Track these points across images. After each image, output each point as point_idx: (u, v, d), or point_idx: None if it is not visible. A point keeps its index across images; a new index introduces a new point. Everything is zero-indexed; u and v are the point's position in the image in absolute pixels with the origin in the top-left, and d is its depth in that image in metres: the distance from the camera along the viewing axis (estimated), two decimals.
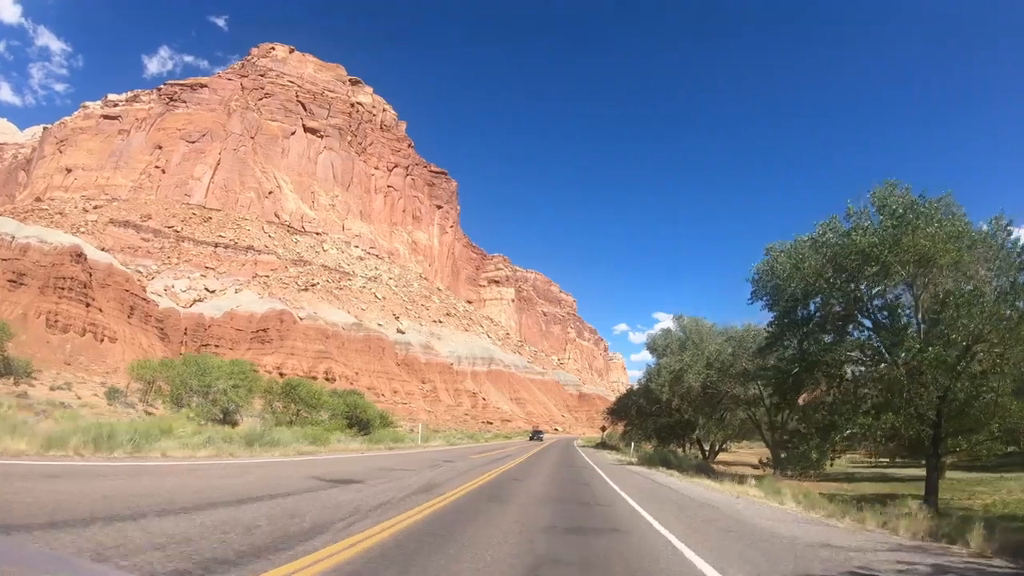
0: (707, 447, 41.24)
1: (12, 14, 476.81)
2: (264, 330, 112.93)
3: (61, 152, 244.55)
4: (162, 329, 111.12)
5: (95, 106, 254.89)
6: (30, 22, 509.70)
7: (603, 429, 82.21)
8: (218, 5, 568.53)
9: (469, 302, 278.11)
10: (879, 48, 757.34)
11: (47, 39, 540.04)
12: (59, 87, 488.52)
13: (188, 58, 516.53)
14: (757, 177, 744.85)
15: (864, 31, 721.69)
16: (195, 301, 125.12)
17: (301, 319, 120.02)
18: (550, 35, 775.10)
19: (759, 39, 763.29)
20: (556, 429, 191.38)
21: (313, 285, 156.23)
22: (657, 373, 37.15)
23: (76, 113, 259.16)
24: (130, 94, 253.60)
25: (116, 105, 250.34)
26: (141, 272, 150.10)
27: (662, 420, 41.83)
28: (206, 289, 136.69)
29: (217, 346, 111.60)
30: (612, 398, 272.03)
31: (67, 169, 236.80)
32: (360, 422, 34.39)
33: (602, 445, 71.29)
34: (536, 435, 77.14)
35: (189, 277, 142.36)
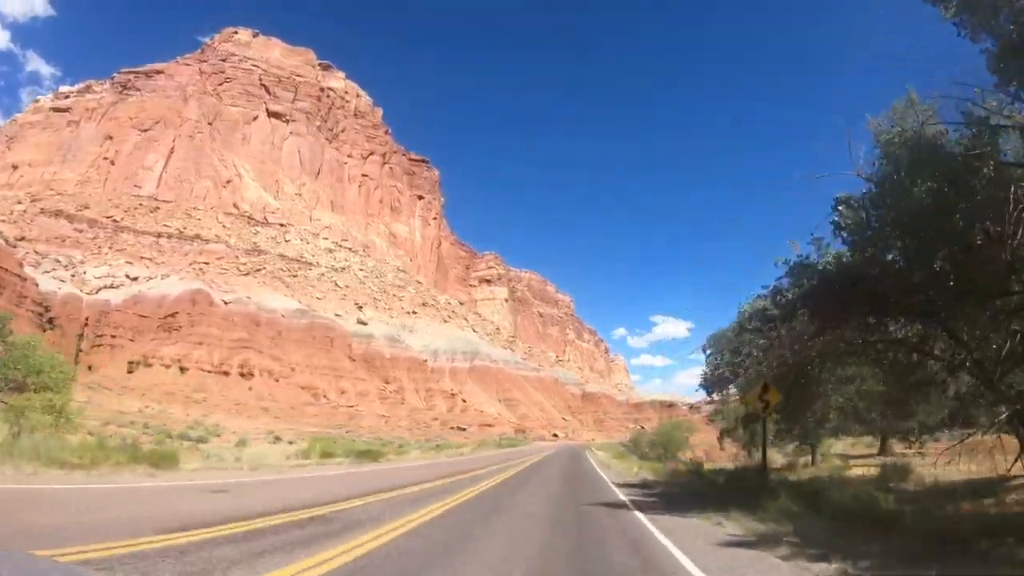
0: None
1: (0, 40, 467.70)
2: (174, 315, 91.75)
3: (9, 149, 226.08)
4: (48, 317, 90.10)
5: (46, 99, 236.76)
6: (19, 47, 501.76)
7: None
8: (206, 26, 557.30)
9: (460, 303, 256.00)
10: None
11: (36, 64, 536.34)
12: None
13: None
14: (758, 180, 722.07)
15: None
16: (103, 288, 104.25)
17: (226, 303, 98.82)
18: (541, 25, 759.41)
19: (767, 35, 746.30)
20: (556, 435, 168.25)
21: (257, 271, 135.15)
22: None
23: (27, 108, 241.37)
24: (82, 85, 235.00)
25: (67, 97, 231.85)
26: (60, 262, 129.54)
27: None
28: (127, 276, 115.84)
29: (114, 336, 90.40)
30: (620, 398, 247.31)
31: (13, 166, 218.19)
32: None
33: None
34: None
35: (110, 265, 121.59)
